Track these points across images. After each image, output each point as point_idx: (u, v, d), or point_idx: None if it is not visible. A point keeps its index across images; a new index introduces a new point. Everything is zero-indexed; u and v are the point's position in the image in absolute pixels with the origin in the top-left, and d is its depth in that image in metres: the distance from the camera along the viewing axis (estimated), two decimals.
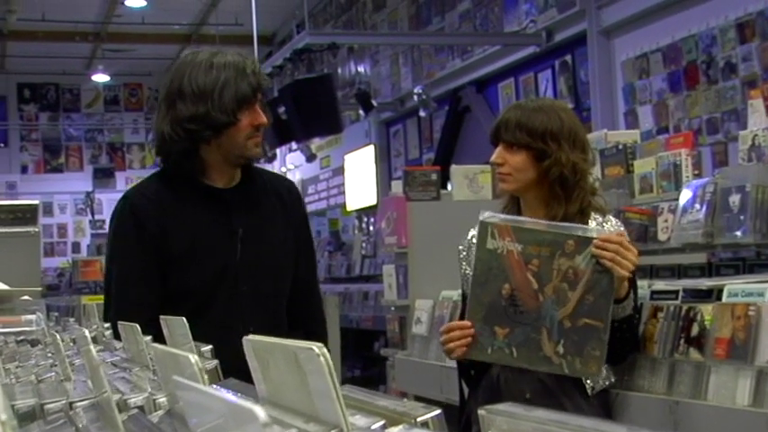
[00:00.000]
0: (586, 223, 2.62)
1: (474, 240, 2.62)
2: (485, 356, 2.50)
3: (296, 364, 0.79)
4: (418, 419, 0.76)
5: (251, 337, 0.89)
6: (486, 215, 2.50)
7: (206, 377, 0.89)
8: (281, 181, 2.99)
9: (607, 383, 2.65)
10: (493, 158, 2.69)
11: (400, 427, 0.75)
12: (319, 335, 2.86)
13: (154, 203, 2.65)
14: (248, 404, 0.54)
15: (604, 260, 2.39)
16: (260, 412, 0.52)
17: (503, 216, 2.54)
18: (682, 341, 2.62)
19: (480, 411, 0.71)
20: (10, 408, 0.84)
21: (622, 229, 2.69)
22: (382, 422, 0.77)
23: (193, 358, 0.86)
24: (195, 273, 2.65)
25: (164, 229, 2.64)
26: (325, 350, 0.76)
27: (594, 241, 2.40)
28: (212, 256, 2.67)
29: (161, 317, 1.61)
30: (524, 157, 2.62)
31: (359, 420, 0.77)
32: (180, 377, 0.75)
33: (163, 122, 2.61)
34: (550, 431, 0.61)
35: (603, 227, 2.61)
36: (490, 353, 2.48)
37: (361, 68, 12.15)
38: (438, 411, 0.77)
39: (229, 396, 0.59)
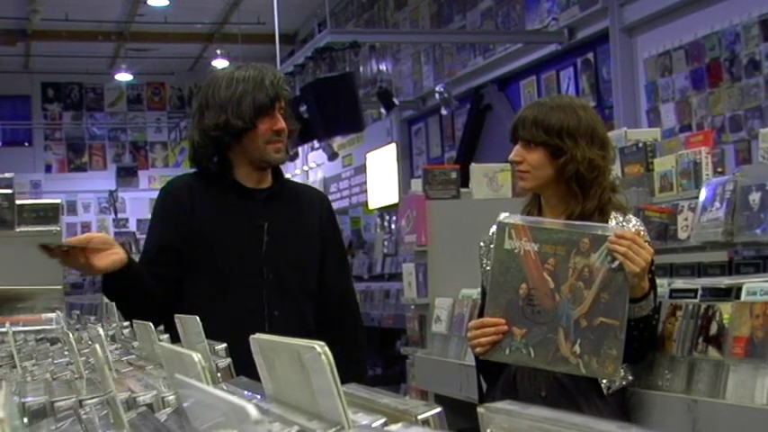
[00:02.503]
0: (606, 221, 2.61)
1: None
2: (503, 357, 2.51)
3: (299, 363, 0.80)
4: (419, 417, 0.77)
5: (257, 336, 0.90)
6: (503, 216, 2.51)
7: (209, 375, 0.90)
8: (312, 190, 3.23)
9: (624, 383, 2.64)
10: (511, 156, 2.70)
11: (400, 424, 0.75)
12: (353, 340, 2.99)
13: (186, 192, 2.89)
14: (242, 402, 0.54)
15: (617, 255, 2.39)
16: (252, 410, 0.53)
17: (520, 216, 2.55)
18: (700, 340, 2.61)
19: (479, 409, 0.72)
20: (13, 405, 0.85)
21: (643, 229, 2.69)
22: (383, 420, 0.77)
23: (197, 357, 0.87)
24: (220, 259, 2.82)
25: (191, 214, 2.84)
26: (326, 349, 0.77)
27: (609, 236, 2.40)
28: (237, 245, 2.84)
29: (176, 315, 1.64)
30: (542, 154, 2.63)
31: (360, 418, 0.78)
32: (183, 375, 0.75)
33: (193, 133, 2.90)
34: (545, 428, 0.61)
35: (624, 227, 2.61)
36: (508, 354, 2.48)
37: (382, 67, 12.15)
38: (438, 409, 0.77)
39: (225, 394, 0.60)
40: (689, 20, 8.08)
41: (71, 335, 1.47)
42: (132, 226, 18.29)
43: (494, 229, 2.76)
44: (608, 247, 2.40)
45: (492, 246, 2.58)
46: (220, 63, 15.86)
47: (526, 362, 2.48)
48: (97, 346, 0.96)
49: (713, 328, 2.58)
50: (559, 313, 2.43)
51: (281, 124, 2.82)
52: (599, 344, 2.39)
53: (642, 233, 2.59)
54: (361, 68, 11.26)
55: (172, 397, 1.09)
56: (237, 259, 2.82)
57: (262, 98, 2.78)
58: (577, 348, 2.41)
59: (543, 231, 2.45)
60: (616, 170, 4.12)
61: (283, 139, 2.85)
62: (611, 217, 2.65)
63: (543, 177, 2.64)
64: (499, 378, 2.68)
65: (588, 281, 2.41)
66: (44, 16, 15.04)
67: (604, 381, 2.58)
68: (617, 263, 2.40)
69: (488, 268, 2.68)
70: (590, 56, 9.70)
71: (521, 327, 2.46)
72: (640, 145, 4.07)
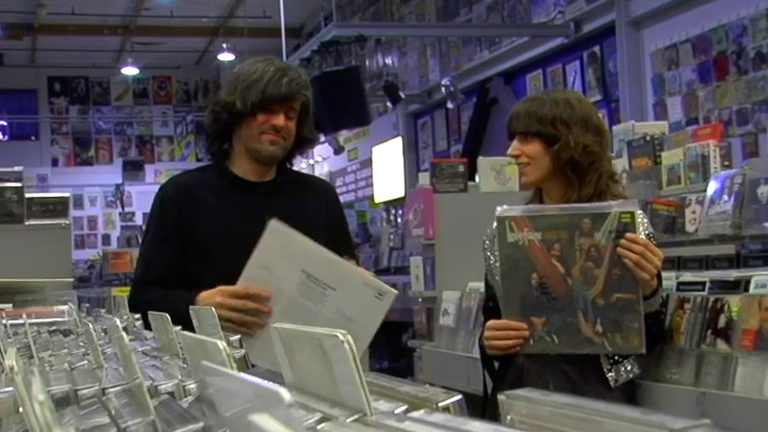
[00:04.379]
0: None
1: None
2: (529, 348, 2.52)
3: (321, 351, 0.81)
4: (440, 404, 0.78)
5: (277, 324, 0.91)
6: (501, 210, 2.51)
7: (234, 363, 0.91)
8: (318, 180, 3.20)
9: (631, 375, 2.65)
10: (509, 151, 2.74)
11: (422, 411, 0.77)
12: None
13: (182, 193, 2.83)
14: (274, 386, 0.56)
15: (628, 261, 2.39)
16: (285, 394, 0.54)
17: (517, 207, 2.56)
18: (709, 332, 2.62)
19: (500, 396, 0.73)
20: (46, 391, 0.86)
21: (646, 220, 2.70)
22: (405, 407, 0.79)
23: (221, 345, 0.88)
24: (225, 257, 2.75)
25: (190, 216, 2.79)
26: (349, 337, 0.78)
27: (621, 241, 2.40)
28: (241, 241, 2.74)
29: (191, 307, 1.65)
30: (538, 144, 2.66)
31: (382, 405, 0.79)
32: (208, 362, 0.77)
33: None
34: (567, 414, 0.62)
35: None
36: (533, 344, 2.50)
37: (388, 60, 12.17)
38: (459, 397, 0.79)
39: (255, 379, 0.61)
40: (696, 13, 8.08)
41: (90, 326, 1.48)
42: (138, 220, 18.32)
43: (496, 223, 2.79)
44: (619, 252, 2.40)
45: (495, 239, 2.59)
46: (226, 57, 15.91)
47: (552, 349, 2.49)
48: (123, 333, 0.97)
49: (722, 321, 2.59)
50: (575, 297, 2.44)
51: (281, 121, 2.78)
52: (620, 320, 2.40)
53: (646, 225, 2.62)
54: (367, 62, 11.28)
55: (193, 385, 1.10)
56: (242, 256, 2.71)
57: (271, 91, 2.75)
58: (599, 328, 2.42)
59: (543, 219, 2.46)
60: (623, 163, 4.14)
61: (283, 136, 2.80)
62: None
63: (542, 168, 2.67)
64: (506, 374, 2.69)
65: (597, 260, 2.41)
66: (50, 10, 15.07)
67: (611, 374, 2.59)
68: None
69: (493, 263, 2.69)
70: (596, 49, 9.69)
71: (539, 316, 2.48)
72: (648, 138, 4.08)
